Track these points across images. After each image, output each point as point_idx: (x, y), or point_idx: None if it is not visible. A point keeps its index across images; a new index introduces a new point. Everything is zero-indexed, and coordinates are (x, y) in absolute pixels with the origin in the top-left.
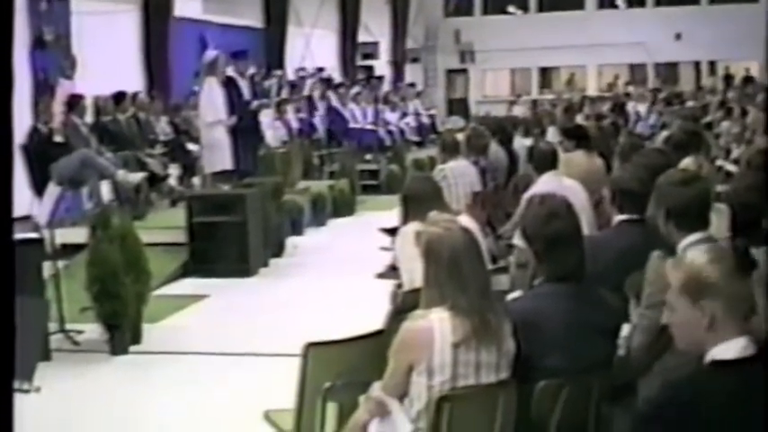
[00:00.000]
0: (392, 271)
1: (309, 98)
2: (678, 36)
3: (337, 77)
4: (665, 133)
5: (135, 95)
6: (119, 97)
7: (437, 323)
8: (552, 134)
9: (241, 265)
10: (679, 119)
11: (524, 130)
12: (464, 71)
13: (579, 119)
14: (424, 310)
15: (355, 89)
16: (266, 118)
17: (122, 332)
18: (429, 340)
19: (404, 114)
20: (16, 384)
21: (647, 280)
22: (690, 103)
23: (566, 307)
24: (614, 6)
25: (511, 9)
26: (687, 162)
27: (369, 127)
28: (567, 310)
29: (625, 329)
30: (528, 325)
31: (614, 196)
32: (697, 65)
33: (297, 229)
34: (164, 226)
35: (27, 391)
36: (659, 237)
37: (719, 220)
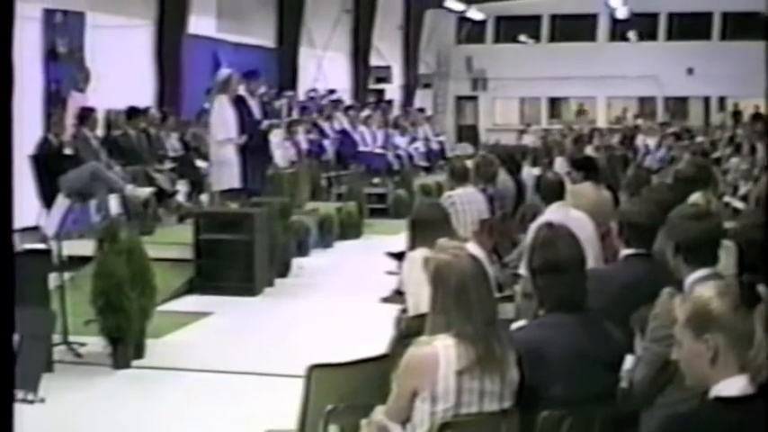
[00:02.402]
0: (397, 295)
1: (324, 119)
2: (690, 71)
3: (348, 100)
4: (675, 167)
5: (146, 110)
6: (131, 112)
7: (442, 350)
8: (560, 164)
9: (246, 283)
10: (688, 153)
11: (533, 160)
12: (474, 98)
13: (589, 150)
14: (430, 336)
15: (366, 112)
16: (276, 138)
17: (125, 346)
18: (433, 366)
19: (413, 139)
20: (20, 395)
21: (655, 314)
22: (699, 139)
23: (570, 337)
24: (626, 39)
25: (522, 38)
26: (695, 197)
27: (378, 150)
28: (571, 341)
29: (629, 362)
30: (532, 354)
31: (622, 229)
32: (707, 100)
33: (303, 250)
34: (170, 242)
35: (32, 402)
36: (666, 272)
37: (726, 257)
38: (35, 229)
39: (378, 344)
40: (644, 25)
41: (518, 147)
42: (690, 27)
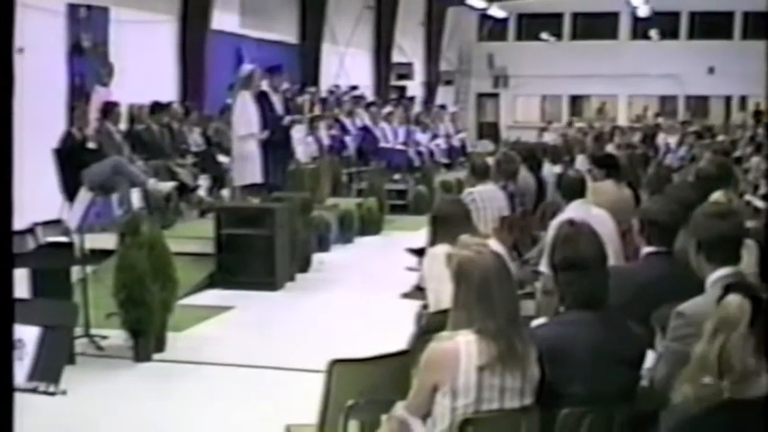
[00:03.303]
0: (417, 291)
1: (346, 115)
2: (711, 70)
3: (370, 96)
4: (696, 166)
5: (169, 105)
6: (155, 107)
7: (463, 345)
8: (581, 162)
9: (267, 278)
10: (709, 152)
11: (553, 158)
12: (495, 95)
13: (610, 148)
14: (451, 331)
15: (387, 108)
16: (298, 133)
17: (147, 339)
18: (455, 361)
19: (434, 136)
20: (42, 387)
21: (678, 312)
22: (720, 137)
23: (591, 335)
24: (647, 37)
25: (544, 36)
26: (716, 196)
27: (399, 147)
28: (591, 338)
29: (649, 360)
30: (553, 352)
31: (643, 227)
32: (728, 99)
33: (323, 246)
34: (192, 236)
35: (53, 394)
36: (687, 270)
37: (747, 255)
38: (58, 222)
39: (398, 339)
40: (665, 24)
41: (539, 144)
42: (711, 26)
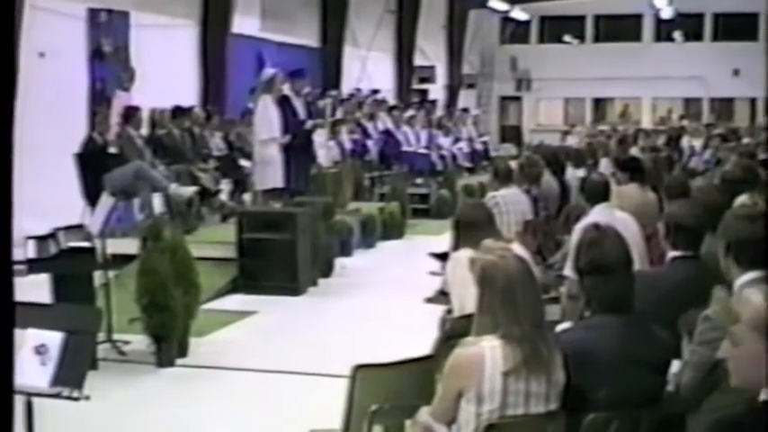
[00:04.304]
0: (441, 296)
1: (368, 119)
2: (736, 72)
3: (392, 100)
4: (721, 169)
5: (191, 110)
6: (176, 111)
7: (488, 350)
8: (605, 166)
9: (290, 283)
10: (735, 155)
11: (577, 161)
12: (518, 99)
13: (634, 151)
14: (476, 336)
15: (409, 112)
16: (320, 138)
17: (169, 344)
18: (480, 367)
19: (457, 139)
20: (66, 392)
21: (705, 315)
22: (745, 140)
23: (617, 339)
24: (671, 39)
25: (567, 38)
26: (742, 199)
27: (422, 151)
28: (618, 343)
29: (675, 365)
30: (578, 356)
31: (668, 232)
32: (753, 101)
33: (346, 250)
34: (214, 241)
35: (77, 399)
36: (714, 274)
37: None
38: (80, 227)
39: (422, 344)
40: (689, 25)
41: (562, 148)
42: (736, 27)
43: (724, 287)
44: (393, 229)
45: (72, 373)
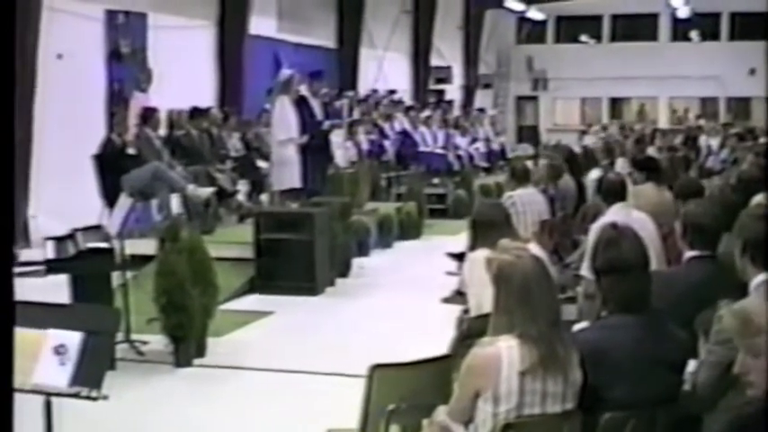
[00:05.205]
0: (458, 296)
1: (384, 120)
2: (753, 71)
3: (408, 100)
4: (738, 168)
5: (208, 110)
6: (194, 112)
7: (505, 350)
8: (621, 165)
9: (307, 283)
10: (751, 155)
11: (593, 161)
12: (534, 98)
13: (651, 151)
14: (492, 336)
15: (426, 112)
16: (337, 138)
17: (187, 345)
18: (496, 367)
19: (474, 139)
20: (85, 392)
21: (719, 317)
22: (762, 139)
23: (633, 339)
24: (688, 39)
25: (583, 38)
26: (759, 199)
27: (438, 151)
28: (634, 342)
29: (692, 364)
30: (595, 356)
31: (685, 231)
32: None
33: (363, 250)
34: (231, 241)
35: (95, 399)
36: (730, 274)
37: None
38: (98, 228)
39: (439, 344)
40: (706, 25)
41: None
42: (752, 27)
43: (729, 302)
44: (410, 230)
45: (91, 373)
